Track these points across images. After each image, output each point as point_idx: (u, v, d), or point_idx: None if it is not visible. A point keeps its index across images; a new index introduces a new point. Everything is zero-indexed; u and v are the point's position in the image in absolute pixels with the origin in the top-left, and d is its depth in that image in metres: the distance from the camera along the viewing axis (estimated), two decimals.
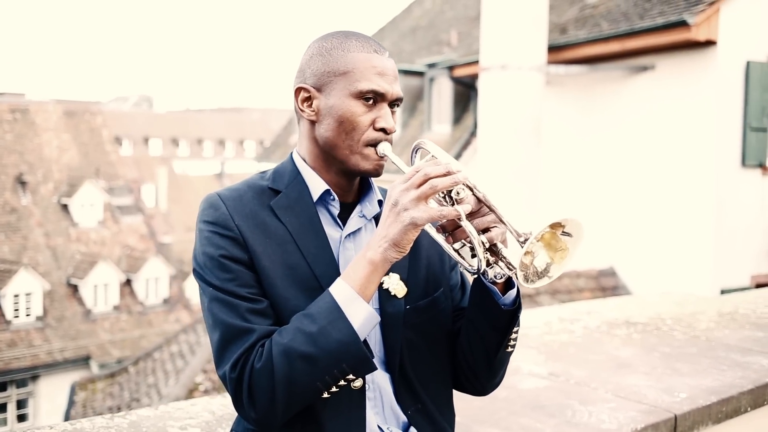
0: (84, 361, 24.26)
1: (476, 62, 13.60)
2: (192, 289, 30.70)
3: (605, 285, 11.86)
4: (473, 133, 15.02)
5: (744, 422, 2.98)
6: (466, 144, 15.18)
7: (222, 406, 2.72)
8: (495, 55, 12.20)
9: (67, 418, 14.29)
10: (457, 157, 15.03)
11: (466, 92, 15.93)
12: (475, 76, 14.11)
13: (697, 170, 11.29)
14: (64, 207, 27.86)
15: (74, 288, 25.99)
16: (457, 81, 15.56)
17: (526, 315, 4.18)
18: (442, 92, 16.39)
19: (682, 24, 10.79)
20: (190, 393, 10.16)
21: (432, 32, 19.07)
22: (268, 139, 56.08)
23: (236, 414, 2.65)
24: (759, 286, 11.62)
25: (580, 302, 4.68)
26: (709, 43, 10.97)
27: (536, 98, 12.20)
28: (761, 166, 11.55)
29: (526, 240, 1.40)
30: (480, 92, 12.99)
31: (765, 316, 4.35)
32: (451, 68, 15.36)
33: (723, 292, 10.78)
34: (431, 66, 16.19)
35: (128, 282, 27.20)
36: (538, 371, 3.15)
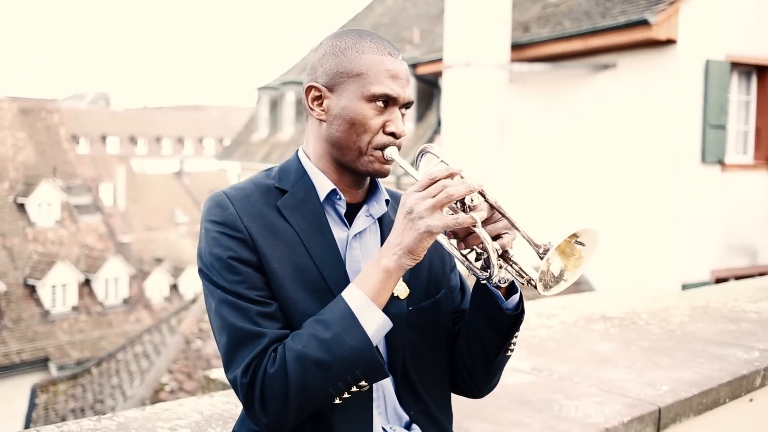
0: (42, 363, 23.86)
1: (439, 60, 13.65)
2: (152, 288, 30.41)
3: None
4: (436, 131, 15.08)
5: (723, 413, 3.04)
6: (430, 142, 15.22)
7: (210, 406, 2.71)
8: (459, 53, 12.26)
9: (28, 421, 14.06)
10: None
11: (429, 90, 15.98)
12: (438, 74, 14.17)
13: (658, 167, 11.47)
14: (21, 206, 27.37)
15: (32, 289, 25.55)
16: (420, 79, 15.60)
17: None
18: None
19: (643, 23, 10.95)
20: (156, 394, 10.06)
21: (394, 30, 19.10)
22: (228, 137, 55.74)
23: (225, 415, 2.67)
24: (719, 280, 11.85)
25: (555, 298, 4.73)
26: (670, 42, 11.14)
27: (500, 96, 12.30)
28: (720, 162, 11.76)
29: (546, 251, 1.42)
30: (443, 90, 13.05)
31: (735, 309, 4.44)
32: (413, 66, 15.39)
33: (684, 287, 10.97)
34: None
35: (87, 282, 26.80)
36: (521, 366, 3.18)
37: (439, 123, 14.69)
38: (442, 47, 13.80)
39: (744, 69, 12.19)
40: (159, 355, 11.22)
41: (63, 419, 12.62)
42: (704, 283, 11.40)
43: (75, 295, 26.26)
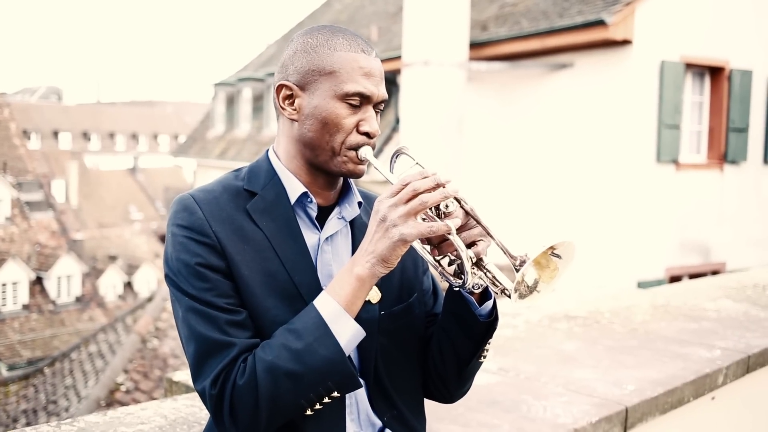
0: None
1: (397, 58, 13.65)
2: (105, 286, 30.00)
3: None
4: (395, 128, 15.07)
5: (687, 411, 3.07)
6: (388, 139, 15.21)
7: (173, 410, 2.65)
8: (417, 51, 12.27)
9: None
10: (379, 152, 15.06)
11: (387, 88, 15.89)
12: (396, 72, 14.16)
13: (614, 166, 11.60)
14: None
15: None
16: None
17: None
18: None
19: (600, 23, 11.07)
20: (112, 394, 9.91)
21: (352, 27, 19.06)
22: (183, 133, 55.19)
23: (190, 419, 2.61)
24: (673, 278, 12.04)
25: None
26: (626, 42, 11.28)
27: (458, 94, 12.34)
28: (675, 162, 11.93)
29: (522, 263, 1.39)
30: (402, 88, 13.05)
31: (696, 308, 4.49)
32: None
33: (640, 284, 11.11)
34: None
35: (39, 280, 26.33)
36: (487, 366, 3.17)
37: (397, 121, 14.69)
38: (400, 45, 13.80)
39: (698, 70, 12.39)
40: (114, 354, 11.04)
41: (14, 420, 12.36)
42: (659, 281, 11.57)
43: (26, 294, 25.79)
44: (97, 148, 59.35)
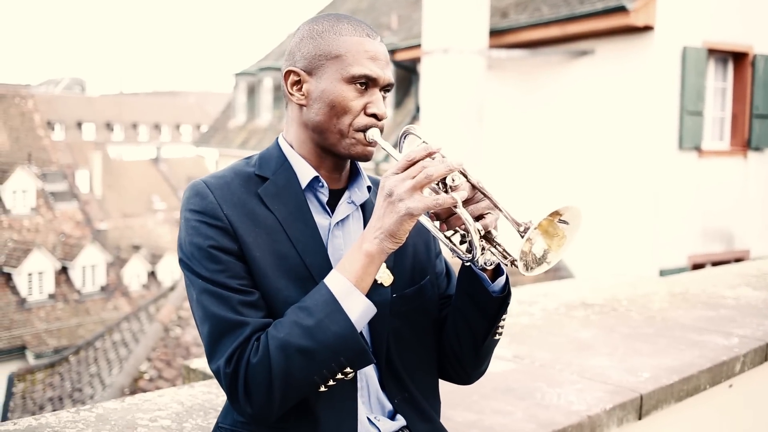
0: (19, 351, 23.68)
1: (417, 46, 13.62)
2: (129, 275, 30.23)
3: None
4: (415, 117, 15.06)
5: (704, 399, 3.06)
6: None
7: (190, 397, 2.68)
8: (437, 39, 12.23)
9: (5, 410, 13.94)
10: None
11: (407, 76, 15.94)
12: (416, 60, 14.14)
13: (636, 153, 11.52)
14: None
15: (7, 276, 25.31)
16: (398, 65, 15.57)
17: None
18: None
19: (621, 9, 10.98)
20: (135, 382, 10.01)
21: (372, 15, 19.02)
22: (205, 123, 55.39)
23: (206, 405, 2.64)
24: (696, 266, 11.95)
25: (536, 284, 4.74)
26: (647, 29, 11.18)
27: (478, 82, 12.29)
28: (697, 149, 11.84)
29: (526, 229, 1.39)
30: (422, 76, 13.02)
31: (714, 295, 4.47)
32: (392, 52, 15.35)
33: (662, 273, 11.05)
34: None
35: (64, 270, 26.59)
36: (503, 354, 3.18)
37: (417, 109, 14.67)
38: (420, 33, 13.76)
39: (721, 56, 12.26)
40: (137, 343, 11.15)
41: (41, 408, 12.53)
42: (682, 269, 11.50)
43: (52, 283, 26.04)
44: (120, 138, 59.74)
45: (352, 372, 1.53)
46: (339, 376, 1.51)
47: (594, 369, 3.00)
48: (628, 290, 4.56)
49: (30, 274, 25.39)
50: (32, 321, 24.84)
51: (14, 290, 25.17)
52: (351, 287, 1.50)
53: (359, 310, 1.50)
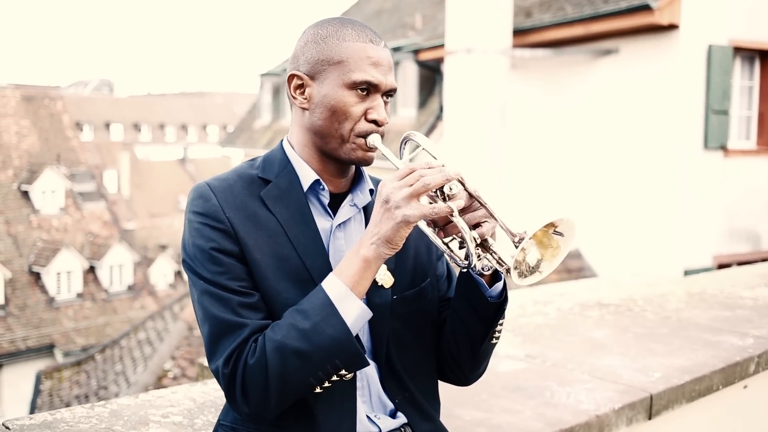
0: (48, 349, 23.99)
1: (441, 46, 13.61)
2: (156, 275, 30.48)
3: (571, 267, 11.99)
4: (439, 117, 15.04)
5: (716, 400, 3.05)
6: (432, 128, 15.20)
7: (203, 393, 2.72)
8: (460, 38, 12.22)
9: (33, 407, 14.13)
10: None
11: (431, 76, 15.93)
12: (440, 60, 14.13)
13: (661, 153, 11.44)
14: (25, 194, 27.44)
15: (36, 276, 25.65)
16: (422, 65, 15.57)
17: None
18: (408, 76, 16.38)
19: (645, 8, 10.91)
20: (159, 380, 10.12)
21: (397, 15, 19.04)
22: (231, 123, 55.68)
23: (218, 402, 2.68)
24: (721, 266, 11.84)
25: (553, 284, 4.74)
26: (672, 27, 11.09)
27: (501, 82, 12.26)
28: (723, 148, 11.73)
29: (521, 240, 1.41)
30: (445, 76, 13.01)
31: (732, 296, 4.44)
32: (416, 52, 15.36)
33: (687, 273, 10.96)
34: (396, 50, 16.18)
35: (92, 269, 26.89)
36: (515, 353, 3.19)
37: (441, 109, 14.66)
38: (444, 33, 13.76)
39: (747, 54, 12.14)
40: (162, 341, 11.26)
41: (67, 405, 12.69)
42: (706, 269, 11.40)
43: (80, 282, 26.35)
44: (147, 139, 60.22)
45: (348, 374, 1.56)
46: (335, 378, 1.54)
47: (605, 368, 3.00)
48: (645, 290, 4.54)
49: (59, 274, 25.72)
50: (61, 320, 25.16)
51: (43, 289, 25.51)
52: (347, 291, 1.52)
53: (355, 314, 1.53)
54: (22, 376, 22.20)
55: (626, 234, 11.67)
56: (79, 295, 26.24)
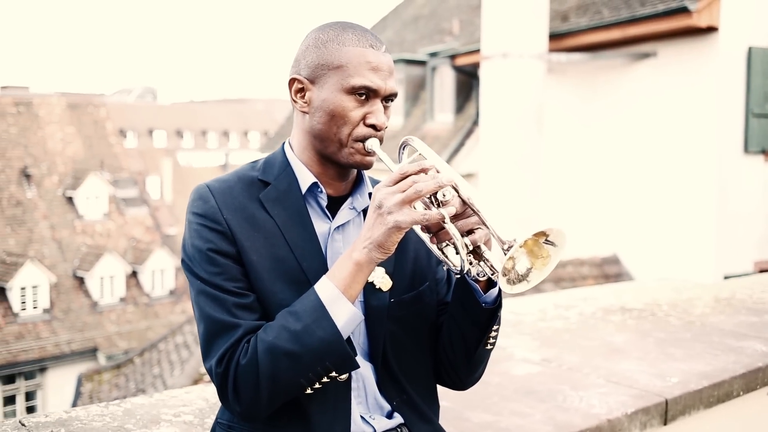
0: (91, 352, 24.39)
1: (478, 51, 13.57)
2: None
3: (609, 272, 11.87)
4: (476, 122, 14.99)
5: (736, 406, 3.00)
6: (469, 133, 15.15)
7: (215, 394, 2.74)
8: (496, 43, 12.18)
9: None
10: (460, 146, 15.03)
11: (468, 81, 15.89)
12: (477, 65, 14.08)
13: (700, 157, 11.26)
14: (69, 199, 27.96)
15: (80, 280, 26.11)
16: (459, 70, 15.53)
17: (521, 302, 4.20)
18: (444, 81, 16.36)
19: (684, 10, 10.75)
20: (195, 383, 10.21)
21: (434, 21, 19.03)
22: (272, 129, 56.06)
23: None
24: (763, 272, 11.62)
25: (577, 289, 4.70)
26: (711, 30, 10.92)
27: (538, 87, 12.18)
28: (764, 152, 11.52)
29: (510, 247, 1.40)
30: (482, 81, 12.97)
31: (761, 301, 4.36)
32: (453, 57, 15.33)
33: (726, 278, 10.77)
34: (433, 55, 16.17)
35: (134, 274, 27.30)
36: (530, 357, 3.17)
37: (478, 114, 14.61)
38: (480, 38, 13.72)
39: None
40: (198, 345, 11.39)
41: None
42: (747, 275, 11.20)
43: (122, 287, 26.75)
44: (190, 145, 60.88)
45: (340, 375, 1.57)
46: (326, 379, 1.56)
47: (622, 373, 2.97)
48: (670, 295, 4.48)
49: (102, 278, 26.15)
50: (104, 324, 25.56)
51: (87, 294, 25.94)
52: (339, 294, 1.54)
53: (345, 317, 1.54)
54: (66, 380, 22.60)
55: (664, 239, 11.51)
56: (122, 300, 26.65)
